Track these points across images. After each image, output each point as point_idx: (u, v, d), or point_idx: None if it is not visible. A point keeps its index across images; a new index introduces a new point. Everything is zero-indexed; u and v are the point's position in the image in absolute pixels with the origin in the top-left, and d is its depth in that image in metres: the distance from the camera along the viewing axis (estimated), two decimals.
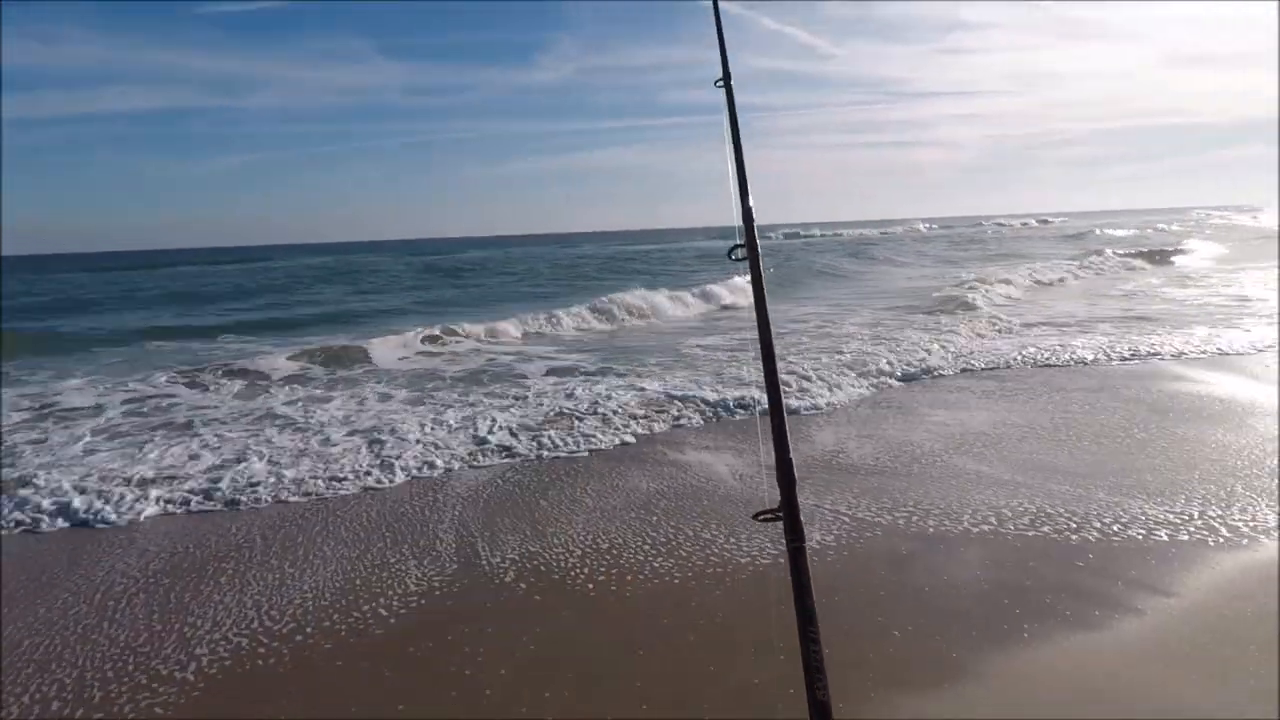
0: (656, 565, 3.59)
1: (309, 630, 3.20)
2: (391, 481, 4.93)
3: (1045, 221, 78.94)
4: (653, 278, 23.34)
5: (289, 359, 9.98)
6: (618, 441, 5.58)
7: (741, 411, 6.22)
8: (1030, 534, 3.75)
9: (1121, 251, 24.59)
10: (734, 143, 1.43)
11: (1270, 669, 2.58)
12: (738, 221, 1.29)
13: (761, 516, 1.01)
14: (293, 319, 17.77)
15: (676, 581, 3.43)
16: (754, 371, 7.02)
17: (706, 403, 6.41)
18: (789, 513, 0.98)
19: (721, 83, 1.57)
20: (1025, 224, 75.78)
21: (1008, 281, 16.29)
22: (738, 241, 1.28)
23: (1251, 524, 3.73)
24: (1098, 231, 44.31)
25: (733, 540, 3.80)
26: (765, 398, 1.07)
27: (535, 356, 9.94)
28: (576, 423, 6.01)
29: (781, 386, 1.11)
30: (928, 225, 76.52)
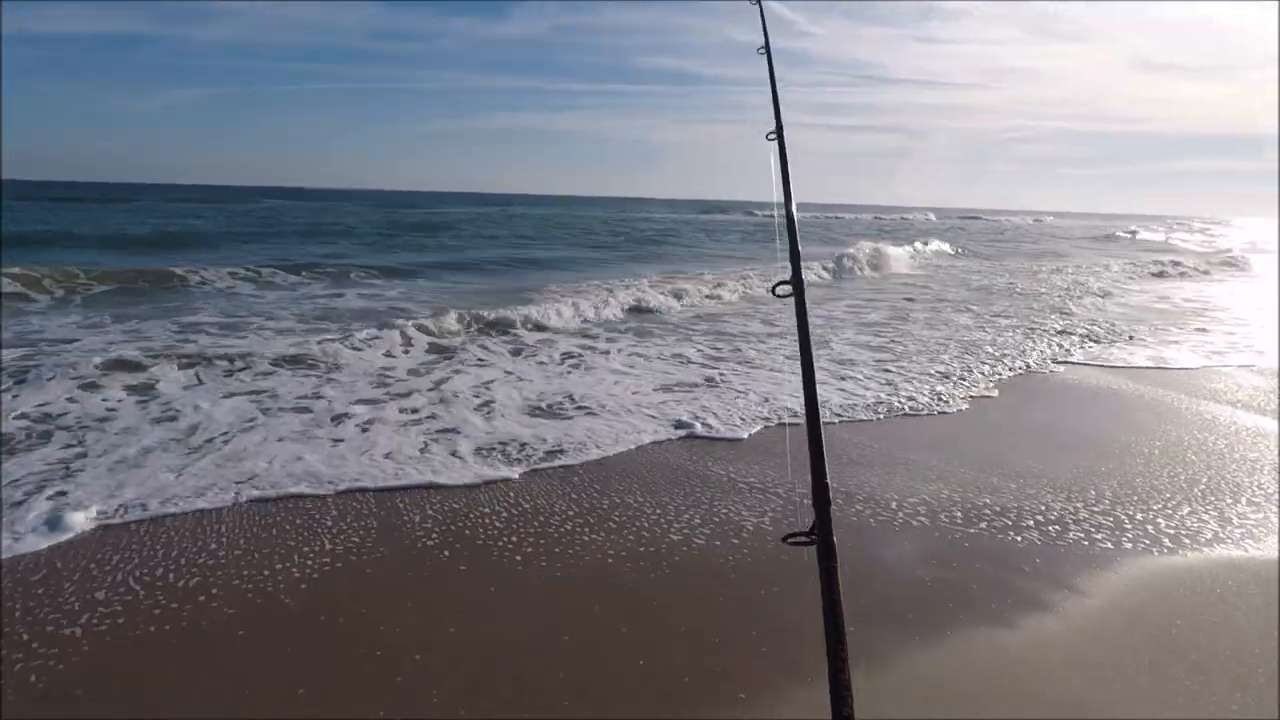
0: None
1: (214, 590, 3.09)
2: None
3: (1039, 219, 79.48)
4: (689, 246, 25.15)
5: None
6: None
7: None
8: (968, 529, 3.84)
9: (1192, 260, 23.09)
10: (785, 189, 1.50)
11: (1183, 671, 2.72)
12: (784, 260, 1.34)
13: (792, 540, 1.03)
14: (467, 261, 18.69)
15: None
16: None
17: None
18: (823, 537, 1.00)
19: (774, 135, 1.65)
20: (1038, 220, 76.53)
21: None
22: (781, 279, 1.33)
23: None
24: (1119, 233, 44.34)
25: (669, 520, 3.78)
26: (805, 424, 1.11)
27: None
28: None
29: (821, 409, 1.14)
30: (927, 215, 76.02)
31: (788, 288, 1.27)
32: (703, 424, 5.27)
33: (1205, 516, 4.08)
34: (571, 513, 3.86)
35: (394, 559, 3.39)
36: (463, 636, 2.81)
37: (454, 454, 4.59)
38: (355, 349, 7.22)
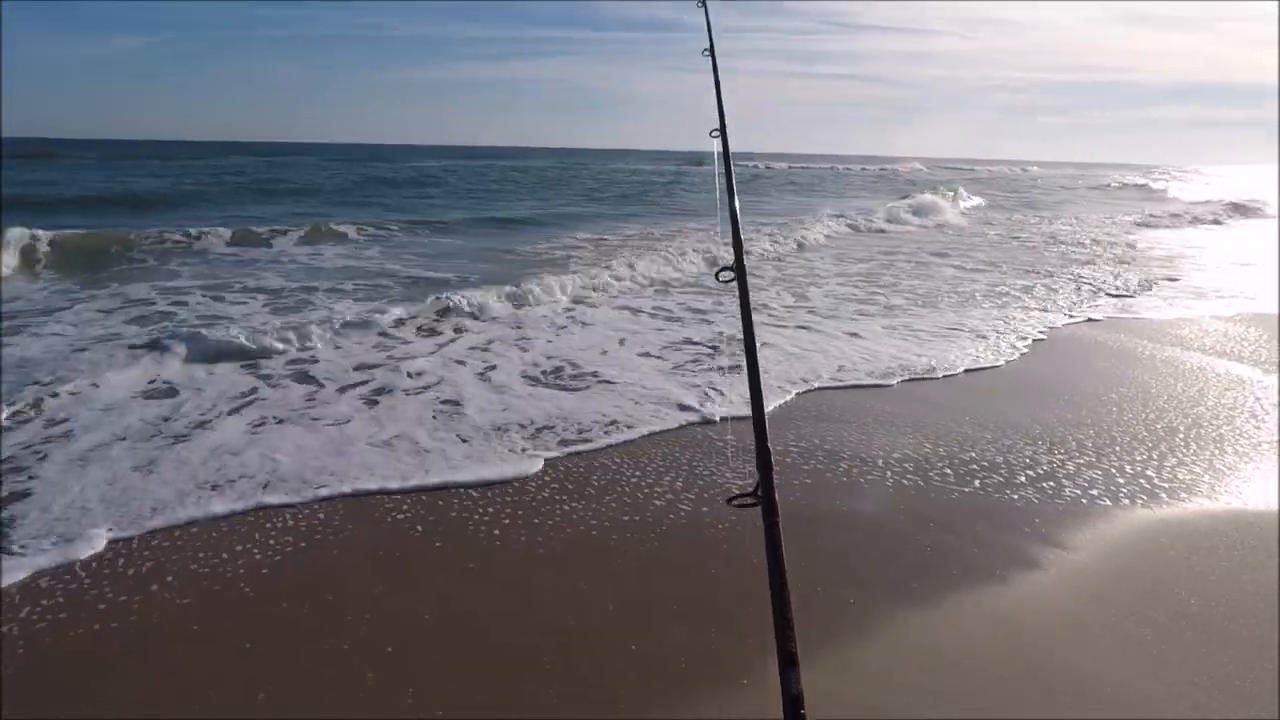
0: None
1: (169, 578, 2.96)
2: None
3: (1025, 169, 79.33)
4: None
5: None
6: None
7: None
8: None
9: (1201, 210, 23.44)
10: (728, 186, 1.58)
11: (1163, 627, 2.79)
12: (729, 250, 1.42)
13: (737, 502, 1.10)
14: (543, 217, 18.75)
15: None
16: None
17: None
18: (766, 496, 1.08)
19: (717, 132, 1.74)
20: (1024, 169, 76.52)
21: None
22: (725, 264, 1.41)
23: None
24: (1111, 184, 44.89)
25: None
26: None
27: None
28: None
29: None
30: (914, 165, 74.45)
31: (730, 274, 1.35)
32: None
33: (1196, 468, 4.18)
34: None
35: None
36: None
37: None
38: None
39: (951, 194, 24.80)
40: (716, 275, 1.42)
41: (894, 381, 5.67)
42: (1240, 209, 24.28)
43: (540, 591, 2.96)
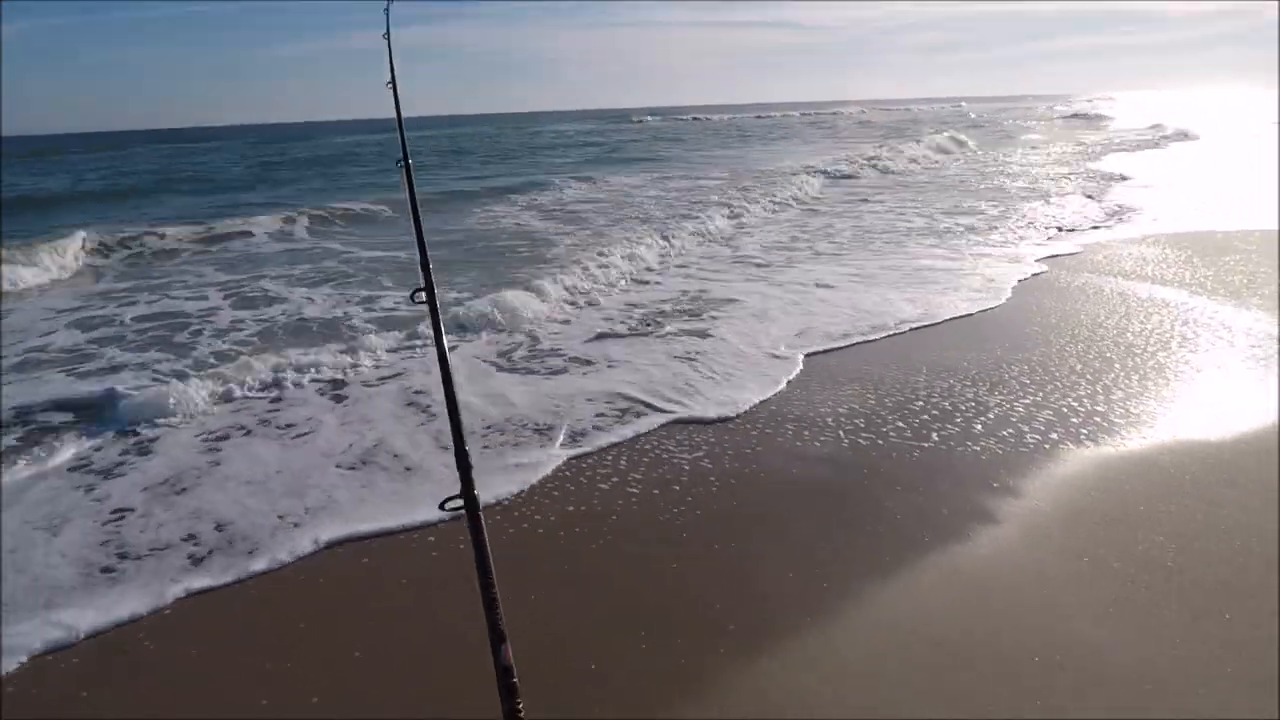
0: None
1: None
2: None
3: (958, 105, 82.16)
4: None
5: None
6: None
7: None
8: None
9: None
10: (412, 206, 1.63)
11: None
12: (420, 271, 1.48)
13: (450, 506, 1.18)
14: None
15: None
16: None
17: None
18: (467, 497, 1.16)
19: (401, 162, 1.77)
20: (956, 105, 79.80)
21: None
22: (419, 285, 1.46)
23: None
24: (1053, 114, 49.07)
25: None
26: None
27: None
28: None
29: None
30: (860, 110, 76.76)
31: (423, 294, 1.41)
32: None
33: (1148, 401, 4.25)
34: None
35: None
36: None
37: None
38: None
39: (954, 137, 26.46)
40: (411, 297, 1.47)
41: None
42: (1180, 133, 26.53)
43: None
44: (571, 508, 3.45)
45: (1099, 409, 4.22)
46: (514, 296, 6.63)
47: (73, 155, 41.05)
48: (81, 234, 10.84)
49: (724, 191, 15.18)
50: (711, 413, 4.40)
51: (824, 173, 17.64)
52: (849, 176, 17.56)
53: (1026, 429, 4.02)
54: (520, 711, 1.00)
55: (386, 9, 2.60)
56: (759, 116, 69.36)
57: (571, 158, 27.64)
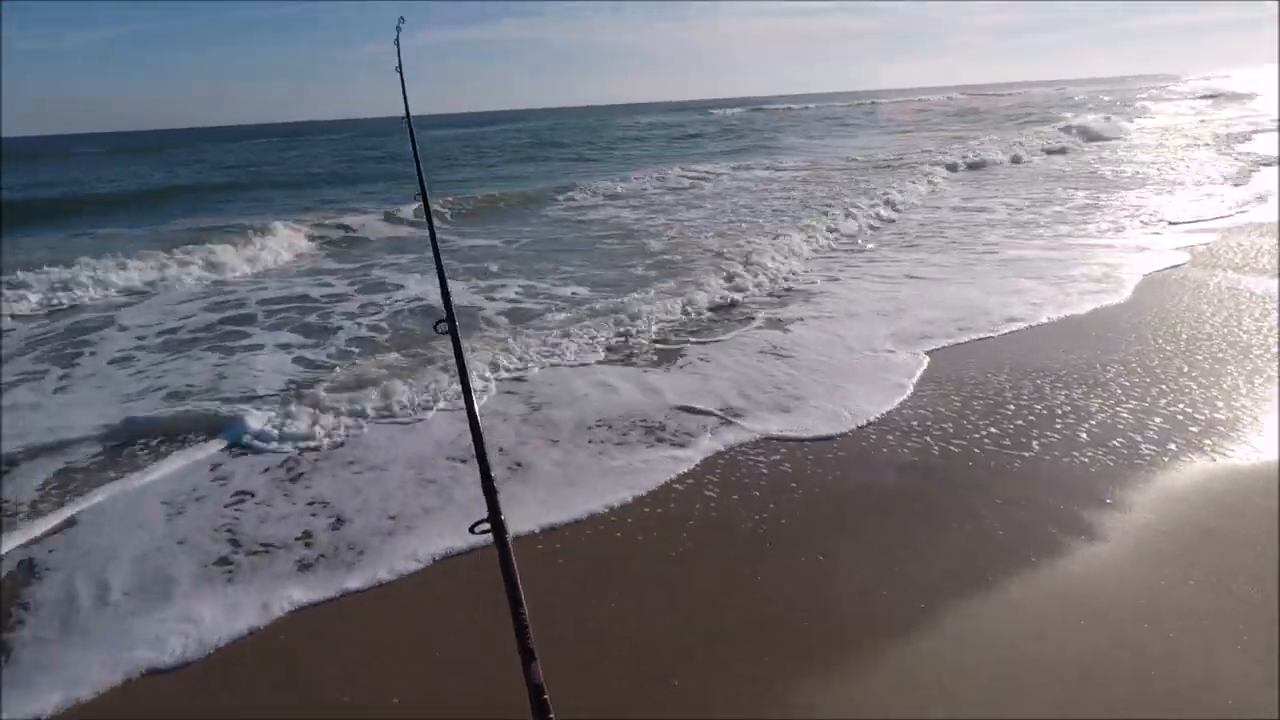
0: None
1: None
2: None
3: (1060, 89, 78.32)
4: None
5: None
6: None
7: None
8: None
9: None
10: (432, 239, 1.69)
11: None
12: (442, 301, 1.54)
13: (479, 529, 1.24)
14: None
15: None
16: None
17: None
18: (494, 522, 1.22)
19: (418, 188, 1.83)
20: (1060, 89, 74.97)
21: None
22: (441, 318, 1.52)
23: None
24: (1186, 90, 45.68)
25: None
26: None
27: None
28: None
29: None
30: (959, 94, 75.11)
31: (444, 325, 1.47)
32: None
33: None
34: None
35: None
36: None
37: None
38: None
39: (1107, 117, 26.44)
40: (435, 327, 1.53)
41: None
42: None
43: None
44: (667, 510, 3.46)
45: (1219, 416, 3.97)
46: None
47: (173, 150, 43.52)
48: (278, 223, 11.68)
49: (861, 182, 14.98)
50: (823, 429, 4.21)
51: (949, 165, 16.89)
52: (976, 166, 17.04)
53: (1139, 438, 3.82)
54: None
55: (399, 25, 2.66)
56: (857, 104, 67.84)
57: (681, 149, 28.20)
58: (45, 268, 8.90)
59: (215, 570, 3.15)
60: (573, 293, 7.55)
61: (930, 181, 14.53)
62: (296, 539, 3.37)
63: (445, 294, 1.57)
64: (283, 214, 13.67)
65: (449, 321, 1.50)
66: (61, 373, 5.92)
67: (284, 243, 10.95)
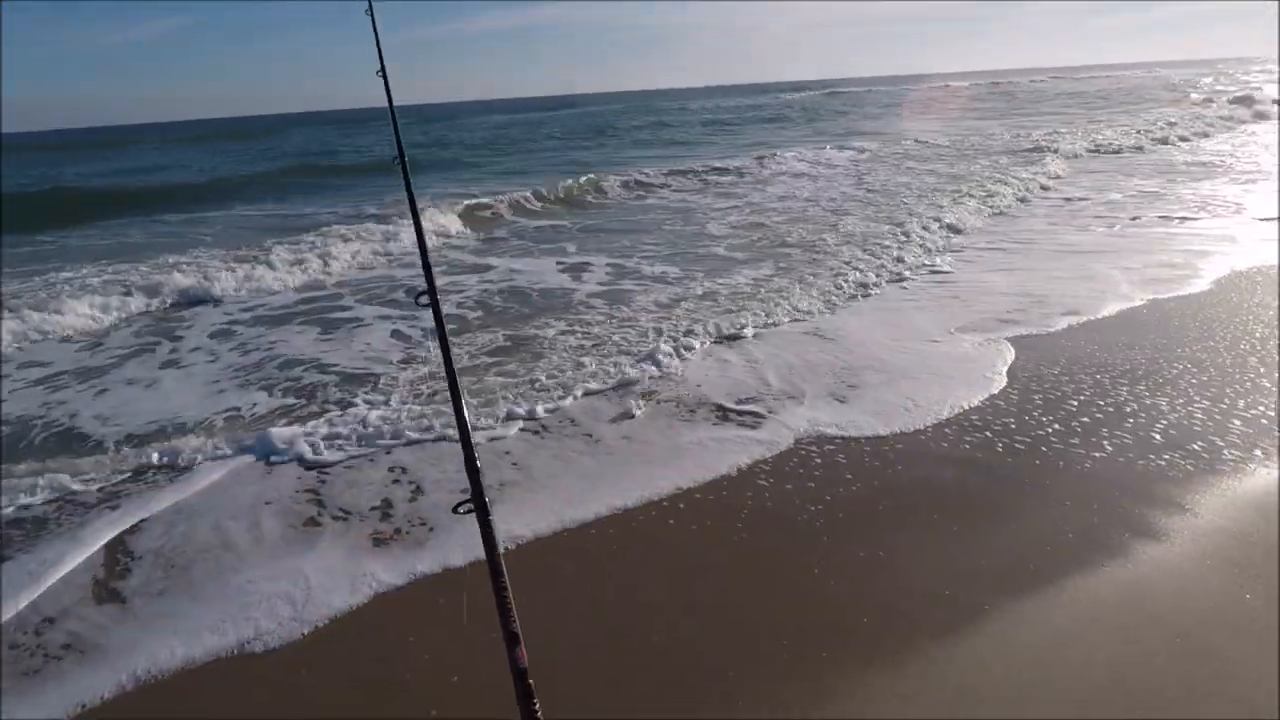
0: None
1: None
2: None
3: (1151, 71, 73.47)
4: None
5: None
6: None
7: None
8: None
9: None
10: (412, 210, 1.64)
11: None
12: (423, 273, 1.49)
13: (464, 509, 1.19)
14: None
15: None
16: None
17: None
18: (478, 501, 1.18)
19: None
20: (1149, 72, 70.22)
21: None
22: (421, 289, 1.47)
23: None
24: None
25: None
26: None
27: None
28: None
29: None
30: (1045, 78, 70.81)
31: (426, 298, 1.42)
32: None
33: None
34: None
35: None
36: None
37: None
38: None
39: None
40: (416, 299, 1.48)
41: None
42: None
43: None
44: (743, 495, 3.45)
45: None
46: None
47: (233, 140, 43.10)
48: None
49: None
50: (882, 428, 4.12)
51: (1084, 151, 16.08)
52: (1115, 152, 16.24)
53: (1221, 441, 3.64)
54: (537, 712, 1.02)
55: (369, 9, 2.55)
56: (934, 87, 64.68)
57: (777, 131, 27.99)
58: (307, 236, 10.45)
59: None
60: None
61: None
62: None
63: (427, 265, 1.52)
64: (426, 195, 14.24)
65: (430, 293, 1.44)
66: None
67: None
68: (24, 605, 2.94)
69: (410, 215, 1.65)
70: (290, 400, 4.95)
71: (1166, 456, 3.55)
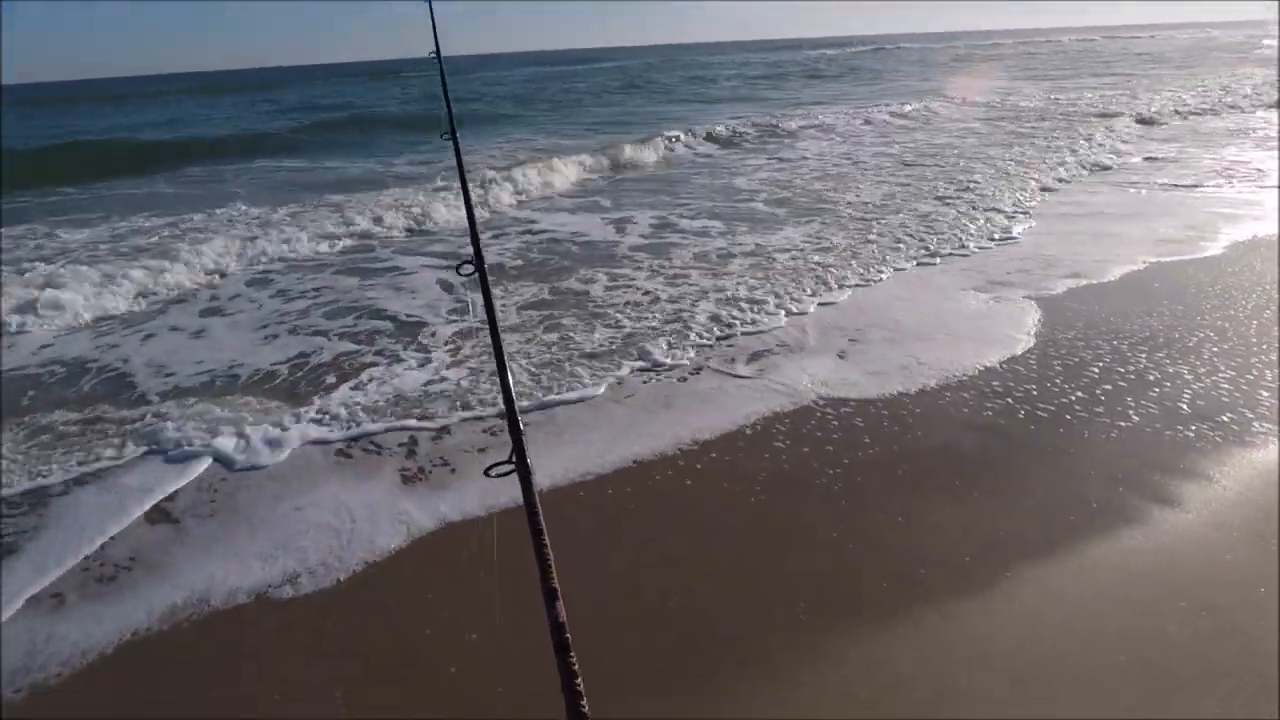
0: None
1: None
2: None
3: (1203, 30, 72.42)
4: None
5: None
6: None
7: None
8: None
9: None
10: (463, 183, 1.67)
11: None
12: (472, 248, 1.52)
13: (496, 471, 1.24)
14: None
15: None
16: None
17: None
18: (520, 464, 1.22)
19: (447, 135, 1.81)
20: (1202, 31, 69.57)
21: None
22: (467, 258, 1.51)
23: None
24: None
25: None
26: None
27: None
28: None
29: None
30: (1096, 36, 70.69)
31: (470, 267, 1.45)
32: None
33: None
34: None
35: None
36: None
37: None
38: None
39: None
40: (458, 269, 1.52)
41: None
42: None
43: None
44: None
45: None
46: None
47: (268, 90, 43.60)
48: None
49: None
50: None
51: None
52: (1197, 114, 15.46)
53: (1251, 414, 3.61)
54: (574, 665, 1.06)
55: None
56: (977, 44, 64.22)
57: (824, 87, 27.78)
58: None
59: None
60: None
61: None
62: None
63: (475, 237, 1.55)
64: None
65: (476, 262, 1.48)
66: None
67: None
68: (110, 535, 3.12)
69: (460, 187, 1.69)
70: (345, 346, 5.07)
71: (1195, 427, 3.52)
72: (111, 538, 3.14)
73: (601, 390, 4.26)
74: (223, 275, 7.11)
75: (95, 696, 2.35)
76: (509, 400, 1.34)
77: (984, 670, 2.27)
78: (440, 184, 10.60)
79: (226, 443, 3.78)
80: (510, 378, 1.35)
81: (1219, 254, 6.20)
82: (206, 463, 3.65)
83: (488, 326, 1.39)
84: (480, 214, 9.51)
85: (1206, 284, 5.46)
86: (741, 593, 2.65)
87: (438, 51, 2.15)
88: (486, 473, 1.30)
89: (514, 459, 1.30)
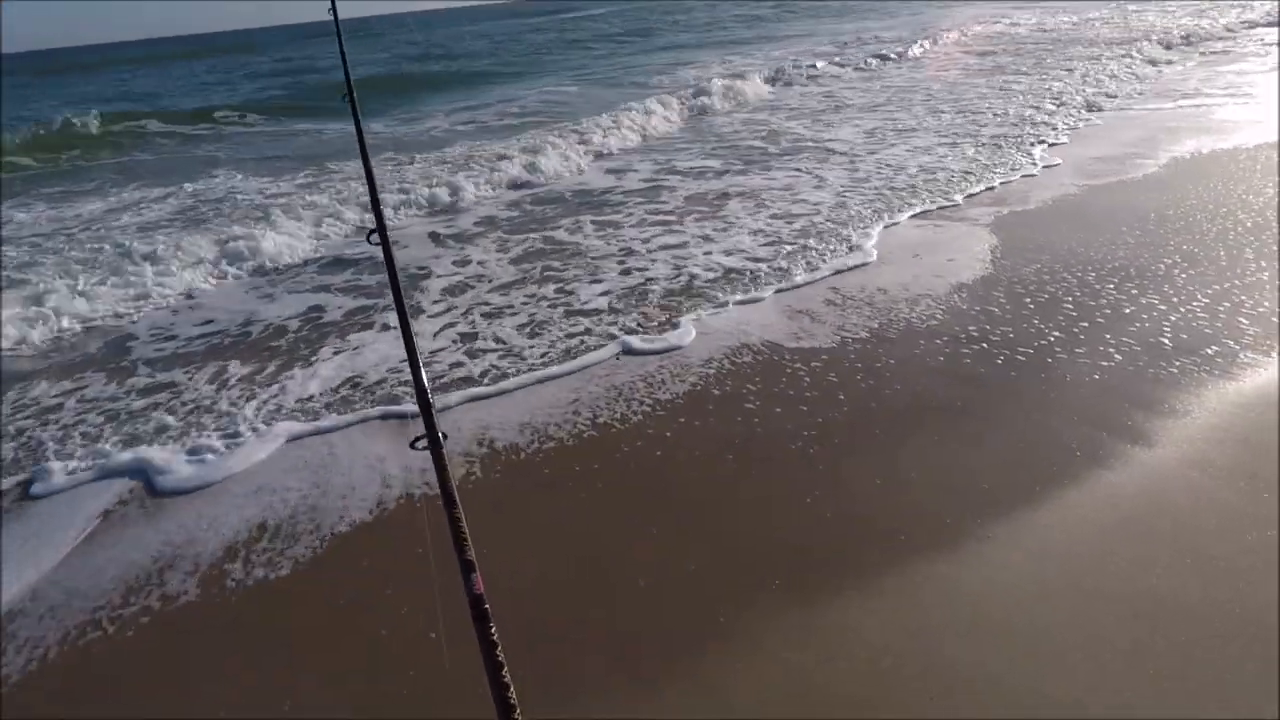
0: None
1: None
2: None
3: None
4: None
5: None
6: None
7: None
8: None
9: None
10: (361, 147, 1.59)
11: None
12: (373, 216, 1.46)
13: (419, 445, 1.19)
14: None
15: None
16: None
17: None
18: (431, 436, 1.18)
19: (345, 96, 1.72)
20: None
21: None
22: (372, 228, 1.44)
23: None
24: None
25: None
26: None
27: None
28: None
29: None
30: None
31: (377, 237, 1.39)
32: None
33: None
34: None
35: None
36: None
37: None
38: None
39: None
40: (368, 238, 1.46)
41: None
42: None
43: None
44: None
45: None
46: None
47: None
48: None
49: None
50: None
51: None
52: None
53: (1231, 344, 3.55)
54: (493, 634, 1.04)
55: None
56: None
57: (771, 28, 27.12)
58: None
59: None
60: None
61: None
62: None
63: (376, 204, 1.48)
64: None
65: (379, 231, 1.42)
66: None
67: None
68: None
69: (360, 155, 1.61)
70: None
71: (1179, 362, 3.47)
72: None
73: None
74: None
75: None
76: (416, 371, 1.29)
77: (975, 627, 2.20)
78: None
79: None
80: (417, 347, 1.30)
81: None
82: None
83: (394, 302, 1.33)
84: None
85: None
86: (717, 563, 2.55)
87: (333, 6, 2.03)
88: (411, 445, 1.26)
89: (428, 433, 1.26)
